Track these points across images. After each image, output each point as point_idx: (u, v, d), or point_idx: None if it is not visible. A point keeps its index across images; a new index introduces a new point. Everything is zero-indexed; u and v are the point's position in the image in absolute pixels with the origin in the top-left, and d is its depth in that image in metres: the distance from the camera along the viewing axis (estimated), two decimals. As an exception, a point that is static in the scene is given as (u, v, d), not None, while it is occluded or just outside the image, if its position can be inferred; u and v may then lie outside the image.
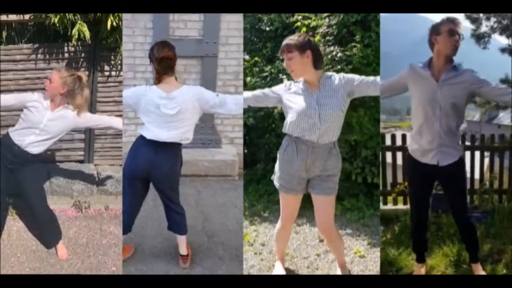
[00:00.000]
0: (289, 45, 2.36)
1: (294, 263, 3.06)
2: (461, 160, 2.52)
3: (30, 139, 2.77)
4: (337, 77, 2.42)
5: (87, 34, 3.39)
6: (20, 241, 3.14)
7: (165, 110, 2.54)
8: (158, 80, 2.58)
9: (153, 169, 2.60)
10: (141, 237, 3.17)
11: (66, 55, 3.72)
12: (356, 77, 2.41)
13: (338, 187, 2.54)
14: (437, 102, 2.39)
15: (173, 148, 2.64)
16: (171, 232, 2.90)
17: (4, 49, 3.65)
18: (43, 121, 2.76)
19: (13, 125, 2.88)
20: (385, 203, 4.28)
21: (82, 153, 3.92)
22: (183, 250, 2.88)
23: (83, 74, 2.89)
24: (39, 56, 3.69)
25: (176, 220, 2.83)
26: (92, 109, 3.69)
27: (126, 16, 4.07)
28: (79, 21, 3.37)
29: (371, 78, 2.39)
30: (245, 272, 2.93)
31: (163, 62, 2.55)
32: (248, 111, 4.57)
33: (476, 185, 4.22)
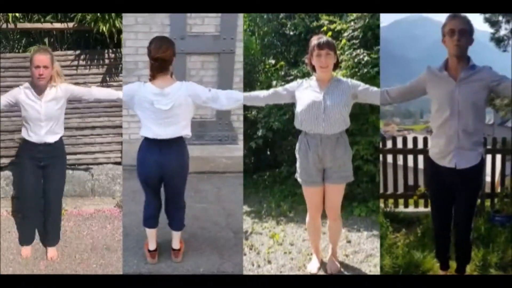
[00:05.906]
0: (330, 44, 2.58)
1: (323, 263, 3.02)
2: (480, 165, 2.42)
3: (41, 132, 2.82)
4: (344, 81, 2.68)
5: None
6: (77, 240, 3.24)
7: (158, 106, 2.55)
8: (152, 77, 2.61)
9: (163, 169, 2.65)
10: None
11: (107, 61, 3.79)
12: (361, 83, 2.67)
13: (352, 175, 2.75)
14: (456, 101, 2.34)
15: (175, 145, 2.66)
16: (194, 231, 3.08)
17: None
18: (41, 112, 2.79)
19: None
20: (406, 205, 4.27)
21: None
22: (176, 244, 2.91)
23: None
24: (80, 62, 3.77)
25: (176, 216, 2.87)
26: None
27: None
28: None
29: (375, 88, 2.62)
30: (275, 272, 2.95)
31: (158, 62, 2.56)
32: (272, 115, 4.58)
33: (488, 188, 4.13)
